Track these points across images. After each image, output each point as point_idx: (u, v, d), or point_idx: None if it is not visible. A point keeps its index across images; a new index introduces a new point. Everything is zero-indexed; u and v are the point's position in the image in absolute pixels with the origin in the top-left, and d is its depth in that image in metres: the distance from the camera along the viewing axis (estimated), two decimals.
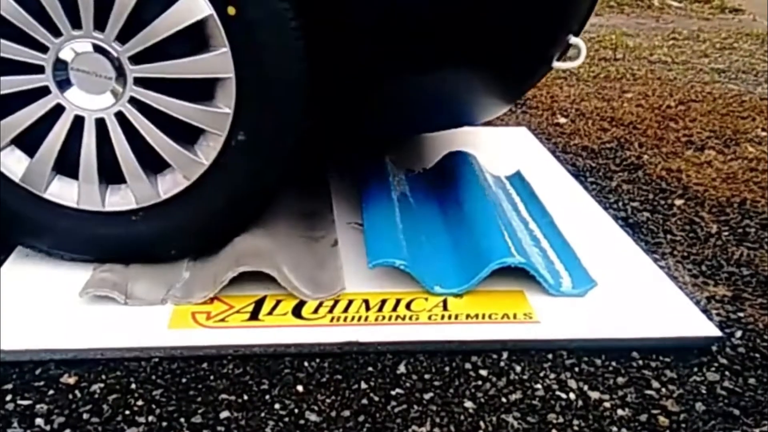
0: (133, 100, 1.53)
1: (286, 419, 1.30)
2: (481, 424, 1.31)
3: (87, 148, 1.57)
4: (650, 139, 2.73)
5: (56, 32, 1.47)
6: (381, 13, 1.49)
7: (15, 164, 1.59)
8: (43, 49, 1.48)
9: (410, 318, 1.55)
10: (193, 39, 1.48)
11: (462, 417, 1.32)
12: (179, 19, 1.45)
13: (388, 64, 1.57)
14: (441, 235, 1.85)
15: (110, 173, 1.60)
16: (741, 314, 1.65)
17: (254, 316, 1.54)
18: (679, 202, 2.21)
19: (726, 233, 2.03)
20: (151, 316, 1.52)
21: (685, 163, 2.51)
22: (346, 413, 1.32)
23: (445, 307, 1.59)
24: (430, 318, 1.56)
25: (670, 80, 3.54)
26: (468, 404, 1.35)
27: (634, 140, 2.72)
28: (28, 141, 1.57)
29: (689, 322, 1.57)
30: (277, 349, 1.46)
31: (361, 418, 1.31)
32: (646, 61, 3.93)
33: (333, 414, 1.32)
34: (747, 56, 4.07)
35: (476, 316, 1.56)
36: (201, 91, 1.53)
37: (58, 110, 1.54)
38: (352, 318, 1.54)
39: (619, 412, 1.35)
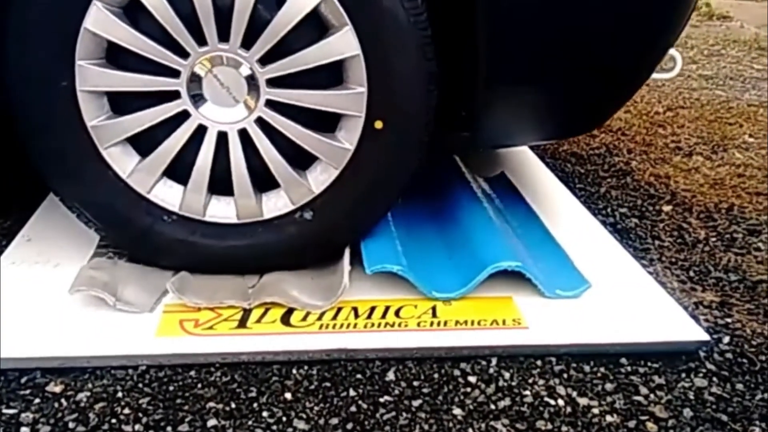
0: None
1: (274, 427, 1.30)
2: (470, 431, 1.31)
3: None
4: (638, 145, 2.74)
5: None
6: (505, 26, 1.52)
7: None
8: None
9: (399, 325, 1.55)
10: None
11: (451, 424, 1.32)
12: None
13: (510, 75, 1.60)
14: (435, 239, 1.85)
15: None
16: (728, 320, 1.66)
17: (242, 323, 1.53)
18: (667, 208, 2.22)
19: (714, 239, 2.04)
20: (138, 324, 1.52)
21: (673, 169, 2.52)
22: (335, 421, 1.32)
23: (434, 314, 1.59)
24: (419, 325, 1.55)
25: (658, 86, 3.55)
26: (457, 411, 1.35)
27: (622, 146, 2.73)
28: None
29: (677, 326, 1.57)
30: (265, 356, 1.46)
31: (349, 426, 1.31)
32: None
33: (321, 422, 1.31)
34: (734, 63, 4.10)
35: (465, 322, 1.56)
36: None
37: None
38: (341, 325, 1.54)
39: (608, 418, 1.35)
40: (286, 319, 1.55)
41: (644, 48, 1.66)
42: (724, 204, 2.26)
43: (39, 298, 1.58)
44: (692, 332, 1.56)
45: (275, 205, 1.62)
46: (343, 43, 1.47)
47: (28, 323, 1.50)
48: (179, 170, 1.59)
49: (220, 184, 1.60)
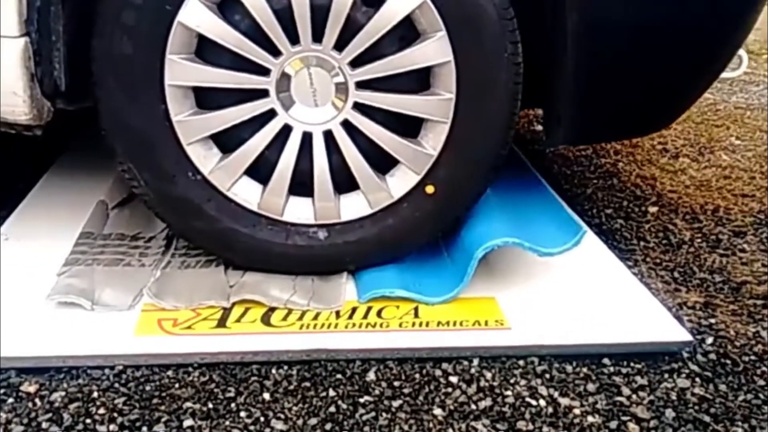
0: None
1: (252, 427, 1.28)
2: (450, 431, 1.29)
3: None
4: (625, 146, 2.74)
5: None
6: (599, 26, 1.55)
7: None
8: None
9: (381, 325, 1.53)
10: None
11: (431, 424, 1.31)
12: None
13: (595, 79, 1.62)
14: None
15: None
16: (712, 321, 1.65)
17: (222, 323, 1.51)
18: (653, 209, 2.22)
19: (699, 240, 2.03)
20: (117, 323, 1.50)
21: (660, 171, 2.51)
22: (313, 421, 1.30)
23: (416, 315, 1.57)
24: (400, 325, 1.54)
25: None
26: (437, 411, 1.34)
27: (609, 148, 2.72)
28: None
29: (660, 327, 1.56)
30: (244, 356, 1.44)
31: (328, 426, 1.29)
32: None
33: (300, 422, 1.30)
34: None
35: (447, 323, 1.55)
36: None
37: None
38: (322, 325, 1.52)
39: (589, 418, 1.34)
40: (266, 319, 1.53)
41: (719, 48, 1.70)
42: (709, 205, 2.25)
43: (17, 296, 1.56)
44: (676, 333, 1.55)
45: (298, 212, 1.61)
46: (439, 107, 1.53)
47: (4, 322, 1.47)
48: (227, 139, 1.57)
49: (258, 169, 1.58)
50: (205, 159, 1.56)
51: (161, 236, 1.78)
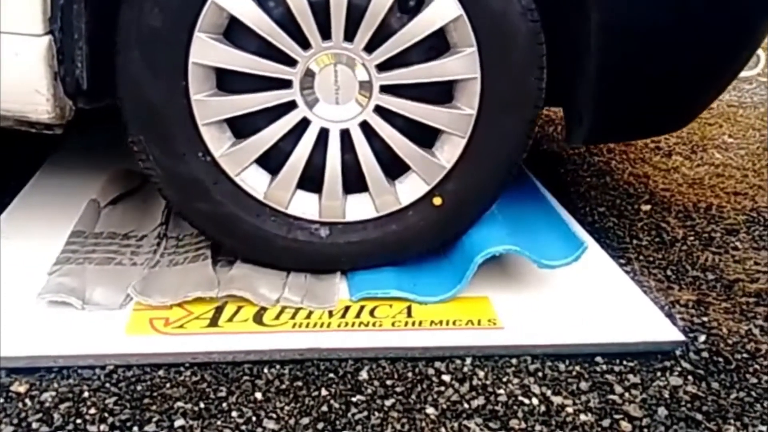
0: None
1: (243, 427, 1.27)
2: (443, 430, 1.29)
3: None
4: (618, 145, 2.74)
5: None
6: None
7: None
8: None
9: (374, 324, 1.53)
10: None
11: (423, 423, 1.30)
12: None
13: (616, 79, 1.63)
14: None
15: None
16: (705, 318, 1.65)
17: (214, 322, 1.50)
18: (645, 207, 2.22)
19: (691, 238, 2.04)
20: (108, 322, 1.49)
21: (653, 169, 2.52)
22: (305, 420, 1.30)
23: (409, 314, 1.57)
24: (393, 324, 1.53)
25: None
26: (430, 410, 1.33)
27: (602, 146, 2.72)
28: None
29: (653, 326, 1.56)
30: (236, 356, 1.43)
31: (320, 426, 1.29)
32: None
33: (292, 421, 1.29)
34: None
35: (440, 322, 1.55)
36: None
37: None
38: (315, 324, 1.52)
39: (582, 417, 1.34)
40: (258, 318, 1.52)
41: (739, 48, 1.70)
42: (702, 203, 2.26)
43: (7, 295, 1.55)
44: (668, 332, 1.55)
45: (303, 207, 1.61)
46: (458, 121, 1.53)
47: None
48: (242, 124, 1.56)
49: (269, 159, 1.58)
50: (218, 141, 1.55)
51: (153, 235, 1.78)
